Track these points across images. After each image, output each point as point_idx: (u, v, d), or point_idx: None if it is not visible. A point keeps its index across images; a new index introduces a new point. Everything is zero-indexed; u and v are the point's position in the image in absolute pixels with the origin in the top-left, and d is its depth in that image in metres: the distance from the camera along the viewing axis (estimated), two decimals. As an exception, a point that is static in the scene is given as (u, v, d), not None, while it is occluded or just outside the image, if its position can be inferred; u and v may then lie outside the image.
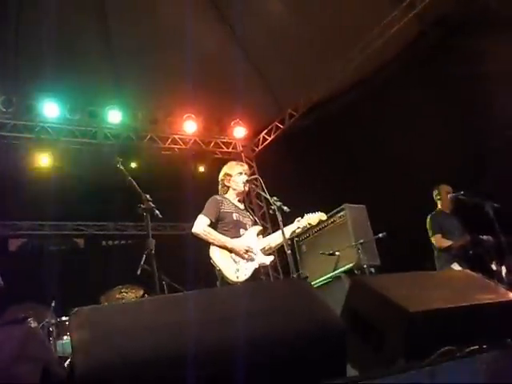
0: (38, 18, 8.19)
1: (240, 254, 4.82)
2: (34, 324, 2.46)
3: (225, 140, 10.87)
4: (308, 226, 5.22)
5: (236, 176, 5.20)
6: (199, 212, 5.07)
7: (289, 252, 4.64)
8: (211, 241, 4.88)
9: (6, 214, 9.98)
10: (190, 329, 2.64)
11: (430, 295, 3.28)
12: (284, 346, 2.67)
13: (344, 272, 6.47)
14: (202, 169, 10.65)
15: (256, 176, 5.11)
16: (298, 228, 5.13)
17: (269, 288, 3.31)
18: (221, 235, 4.91)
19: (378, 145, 8.21)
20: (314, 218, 5.20)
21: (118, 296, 7.46)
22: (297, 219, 5.14)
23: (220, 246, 4.86)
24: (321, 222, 6.40)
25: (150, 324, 2.66)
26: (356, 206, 6.86)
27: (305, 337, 2.72)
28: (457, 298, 3.32)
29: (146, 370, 2.45)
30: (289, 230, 5.03)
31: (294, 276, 4.92)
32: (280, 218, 4.69)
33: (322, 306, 2.94)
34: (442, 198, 6.80)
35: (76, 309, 2.72)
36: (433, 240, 6.55)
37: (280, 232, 4.82)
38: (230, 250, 4.84)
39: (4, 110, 8.67)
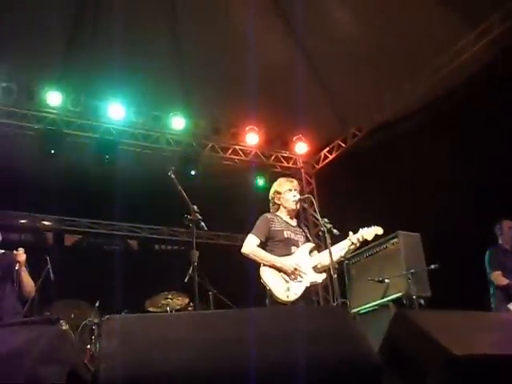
0: (113, 20, 8.35)
1: (288, 273, 4.74)
2: (65, 326, 2.45)
3: (286, 155, 10.81)
4: (360, 240, 4.95)
5: (286, 193, 5.13)
6: (254, 225, 5.03)
7: (335, 276, 4.51)
8: (259, 260, 4.84)
9: (65, 210, 10.24)
10: (219, 347, 2.59)
11: (478, 338, 3.11)
12: (315, 373, 2.58)
13: (392, 301, 6.30)
14: (260, 182, 10.58)
15: (308, 195, 5.01)
16: (352, 244, 4.91)
17: (307, 312, 3.22)
18: (269, 255, 4.85)
19: (439, 174, 7.97)
20: (369, 232, 5.00)
21: (163, 302, 7.49)
22: (350, 233, 4.96)
23: (269, 266, 4.80)
24: (372, 247, 6.29)
25: (179, 339, 2.62)
26: (410, 233, 6.69)
27: (338, 366, 2.63)
28: (507, 344, 3.13)
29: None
30: (342, 247, 4.87)
31: (336, 302, 4.79)
32: (329, 241, 4.58)
33: (360, 337, 2.84)
34: (504, 233, 6.56)
35: (107, 316, 2.71)
36: (491, 277, 6.31)
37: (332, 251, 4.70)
38: (279, 270, 4.77)
39: (72, 108, 8.89)
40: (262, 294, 4.91)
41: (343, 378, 2.63)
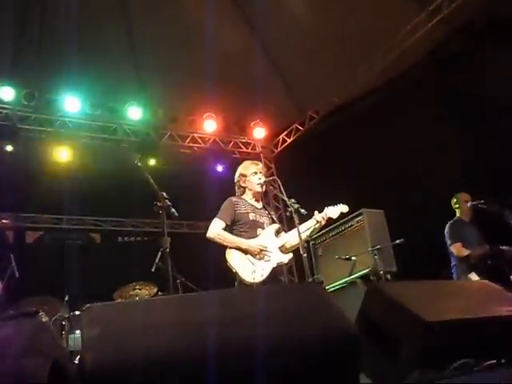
0: (62, 13, 8.19)
1: (254, 254, 4.78)
2: (45, 318, 2.45)
3: (244, 140, 10.85)
4: (325, 219, 4.98)
5: (251, 176, 5.15)
6: (216, 211, 5.05)
7: (304, 255, 4.57)
8: (226, 244, 4.86)
9: (24, 207, 10.07)
10: (202, 330, 2.62)
11: (447, 305, 3.21)
12: (296, 350, 2.63)
13: (360, 277, 6.41)
14: (220, 168, 10.60)
15: (274, 177, 5.06)
16: (317, 223, 4.94)
17: (283, 291, 3.27)
18: (235, 237, 4.88)
19: (397, 151, 8.12)
20: (334, 210, 5.06)
21: (131, 293, 7.47)
22: (315, 213, 4.98)
23: (235, 248, 4.83)
24: (337, 225, 6.37)
25: (160, 323, 2.64)
26: (374, 210, 6.80)
27: (318, 342, 2.68)
28: (475, 309, 3.26)
29: (154, 369, 2.43)
30: (307, 226, 4.90)
31: (310, 280, 4.85)
32: (297, 221, 4.63)
33: (337, 312, 2.90)
34: (461, 206, 6.73)
35: (87, 305, 2.71)
36: (452, 248, 6.47)
37: (296, 231, 4.74)
38: (246, 251, 4.81)
39: (26, 103, 8.73)
40: (230, 279, 4.94)
41: (322, 352, 2.69)
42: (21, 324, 2.66)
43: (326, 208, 5.07)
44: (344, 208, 5.13)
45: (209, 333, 2.56)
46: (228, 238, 4.86)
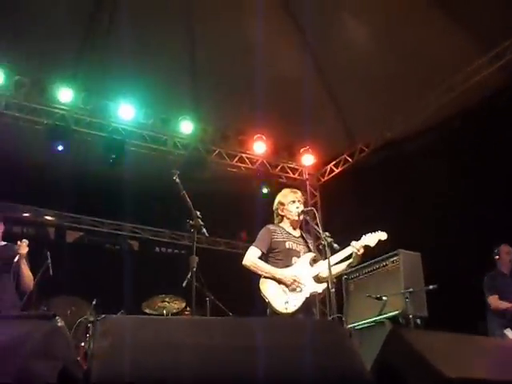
0: (128, 21, 8.37)
1: (287, 284, 4.73)
2: (61, 323, 2.45)
3: (292, 165, 10.83)
4: (362, 248, 4.85)
5: (289, 204, 5.13)
6: (256, 233, 5.05)
7: (332, 290, 4.50)
8: (260, 272, 4.85)
9: (69, 206, 10.27)
10: (211, 354, 2.59)
11: (471, 362, 3.10)
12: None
13: (388, 318, 6.28)
14: (265, 191, 10.57)
15: (311, 208, 5.00)
16: (356, 254, 4.83)
17: (302, 325, 3.22)
18: (269, 267, 4.86)
19: (444, 195, 7.98)
20: (372, 237, 4.93)
21: (159, 304, 7.49)
22: (352, 242, 4.88)
23: (270, 278, 4.80)
24: (372, 263, 6.26)
25: (172, 342, 2.63)
26: (411, 252, 6.68)
27: (326, 380, 2.63)
28: (501, 370, 3.12)
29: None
30: (344, 254, 4.82)
31: (332, 317, 4.77)
32: (329, 254, 4.57)
33: (352, 353, 2.84)
34: (502, 258, 6.57)
35: (103, 316, 2.72)
36: (489, 300, 6.30)
37: (332, 262, 4.68)
38: (279, 281, 4.77)
39: (82, 106, 8.93)
40: (261, 302, 4.91)
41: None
42: (36, 325, 2.68)
43: (363, 236, 4.96)
44: (382, 235, 4.99)
45: (215, 358, 2.54)
46: (263, 267, 4.85)
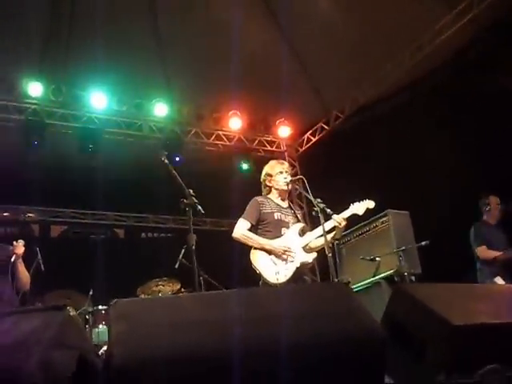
0: (91, 10, 8.26)
1: (278, 255, 4.78)
2: (73, 312, 2.47)
3: (269, 138, 10.83)
4: (344, 221, 4.80)
5: (277, 175, 5.16)
6: (240, 209, 5.06)
7: (329, 255, 4.55)
8: (250, 244, 4.88)
9: (49, 201, 10.18)
10: (227, 327, 2.62)
11: (474, 309, 3.18)
12: (322, 350, 2.63)
13: (384, 278, 6.37)
14: (245, 166, 10.56)
15: (300, 176, 5.01)
16: (338, 224, 4.78)
17: (309, 291, 3.27)
18: (259, 238, 4.89)
19: (423, 151, 8.06)
20: (360, 206, 4.96)
21: (154, 288, 7.51)
22: (333, 216, 4.79)
23: (260, 249, 4.84)
24: (362, 226, 6.32)
25: (188, 320, 2.65)
26: (399, 212, 6.75)
27: (344, 342, 2.68)
28: (502, 313, 3.21)
29: (180, 366, 2.44)
30: (332, 224, 4.80)
31: (335, 280, 4.82)
32: (322, 220, 4.61)
33: (364, 313, 2.89)
34: (492, 208, 6.61)
35: (115, 300, 2.73)
36: (477, 251, 6.38)
37: (319, 230, 4.72)
38: (270, 252, 4.81)
39: (53, 98, 8.81)
40: (253, 278, 4.95)
41: (349, 353, 2.68)
42: (50, 317, 2.69)
43: (351, 205, 4.99)
44: (370, 204, 5.00)
45: (234, 331, 2.57)
46: (253, 239, 4.88)
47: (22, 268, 5.36)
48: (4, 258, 5.29)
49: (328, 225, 4.80)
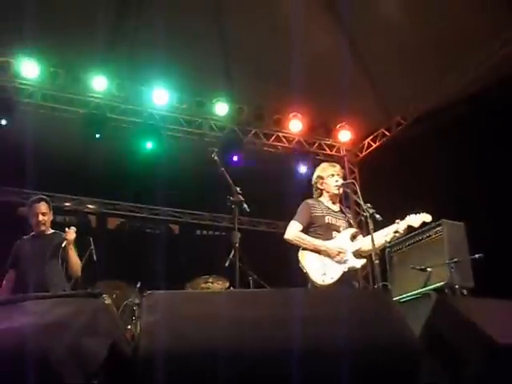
0: (157, 6, 8.38)
1: (333, 255, 4.73)
2: (108, 301, 2.50)
3: (329, 142, 10.73)
4: (407, 229, 4.85)
5: (328, 178, 5.11)
6: (295, 212, 5.03)
7: (376, 262, 4.46)
8: (304, 245, 4.84)
9: (108, 194, 10.41)
10: (259, 326, 2.60)
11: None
12: (357, 356, 2.57)
13: (434, 290, 6.20)
14: (303, 169, 10.50)
15: (352, 180, 4.95)
16: (397, 232, 4.80)
17: (348, 296, 3.20)
18: (313, 239, 4.85)
19: (486, 163, 7.81)
20: (416, 219, 4.86)
21: (203, 285, 7.55)
22: (396, 221, 4.84)
23: (314, 250, 4.79)
24: (415, 235, 6.17)
25: (218, 315, 2.64)
26: (454, 222, 6.56)
27: (377, 350, 2.61)
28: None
29: (207, 360, 2.42)
30: (386, 232, 4.78)
31: (377, 285, 4.74)
32: (371, 226, 4.53)
33: (402, 322, 2.81)
34: None
35: (149, 292, 2.74)
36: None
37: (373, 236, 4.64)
38: (324, 253, 4.76)
39: (116, 93, 8.99)
40: (301, 276, 4.91)
41: (384, 362, 2.62)
42: (84, 303, 2.73)
43: (408, 216, 4.90)
44: (427, 217, 4.91)
45: (262, 330, 2.54)
46: (306, 240, 4.84)
47: (72, 254, 5.46)
48: (58, 244, 5.41)
49: (389, 229, 4.78)
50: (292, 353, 2.51)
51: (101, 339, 2.59)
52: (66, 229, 5.45)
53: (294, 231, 4.89)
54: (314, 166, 9.44)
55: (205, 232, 11.91)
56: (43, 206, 5.57)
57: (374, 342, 2.65)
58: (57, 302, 2.80)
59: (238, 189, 4.34)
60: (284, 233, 4.98)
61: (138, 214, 10.87)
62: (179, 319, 2.58)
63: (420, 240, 6.71)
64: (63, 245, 5.38)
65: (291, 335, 2.59)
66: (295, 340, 2.56)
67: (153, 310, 2.64)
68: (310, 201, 5.11)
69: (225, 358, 2.45)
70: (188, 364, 2.39)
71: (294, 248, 4.96)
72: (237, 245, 4.30)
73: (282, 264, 7.45)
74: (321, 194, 5.18)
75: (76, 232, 5.45)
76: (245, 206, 4.33)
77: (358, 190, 4.78)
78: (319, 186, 5.17)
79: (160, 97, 9.10)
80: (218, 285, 7.60)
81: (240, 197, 4.32)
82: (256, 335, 2.57)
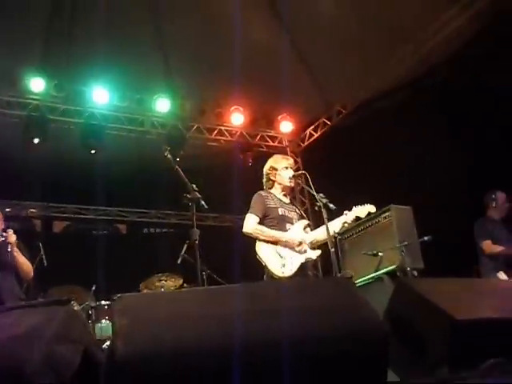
0: (92, 5, 8.24)
1: (293, 246, 4.79)
2: (76, 307, 2.47)
3: (271, 134, 10.82)
4: (355, 219, 5.05)
5: (282, 170, 5.14)
6: (242, 204, 5.05)
7: (332, 250, 4.55)
8: (263, 238, 4.85)
9: (52, 197, 10.19)
10: (231, 321, 2.62)
11: (477, 303, 3.18)
12: (325, 345, 2.63)
13: (386, 273, 6.36)
14: (246, 162, 10.54)
15: (303, 172, 5.01)
16: (346, 223, 4.96)
17: (312, 285, 3.27)
18: (273, 231, 4.86)
19: (425, 147, 8.04)
20: (362, 210, 5.02)
21: (157, 284, 7.53)
22: (344, 212, 4.97)
23: (273, 242, 4.82)
24: (365, 221, 6.33)
25: (191, 314, 2.66)
26: (402, 207, 6.73)
27: (346, 337, 2.68)
28: (506, 308, 3.21)
29: (185, 360, 2.44)
30: (337, 224, 4.91)
31: (338, 275, 4.84)
32: (325, 215, 4.62)
33: (366, 307, 2.89)
34: (499, 204, 6.62)
35: (119, 295, 2.73)
36: (482, 245, 6.39)
37: (325, 228, 4.72)
38: (283, 244, 4.81)
39: (55, 94, 8.81)
40: (255, 274, 4.95)
41: (352, 348, 2.68)
42: (53, 311, 2.70)
43: (354, 207, 5.05)
44: (371, 208, 5.09)
45: (236, 325, 2.57)
46: (266, 233, 4.85)
47: (19, 256, 5.34)
48: (4, 253, 5.28)
49: (340, 220, 4.90)
50: (264, 345, 2.55)
51: (74, 346, 2.58)
52: (3, 233, 5.32)
53: (252, 224, 4.88)
54: (257, 158, 9.72)
55: (152, 230, 11.84)
56: None
57: (341, 329, 2.71)
58: (24, 312, 2.77)
59: (194, 186, 4.34)
60: (231, 226, 5.00)
61: (84, 216, 10.70)
62: (151, 320, 2.58)
63: (369, 226, 6.85)
64: (8, 249, 5.24)
65: (262, 328, 2.62)
66: (266, 333, 2.60)
67: (124, 312, 2.63)
68: (262, 192, 5.13)
69: (200, 356, 2.47)
70: (164, 364, 2.40)
71: (244, 241, 4.99)
72: (196, 242, 4.30)
73: (230, 257, 7.50)
74: (272, 186, 5.20)
75: (15, 233, 5.34)
76: (202, 202, 4.33)
77: (310, 181, 4.83)
78: (271, 177, 5.19)
79: (100, 96, 8.97)
80: (171, 282, 7.60)
81: (197, 194, 4.32)
82: (228, 331, 2.59)
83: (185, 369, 2.44)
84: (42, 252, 6.23)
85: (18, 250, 5.38)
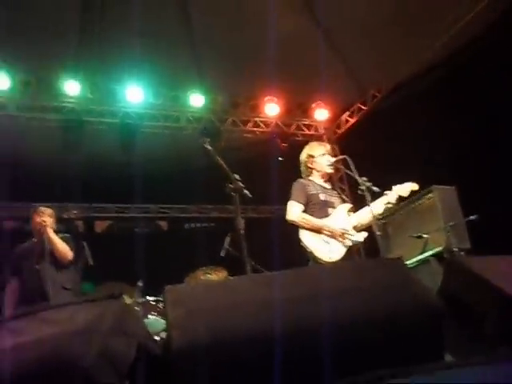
0: (123, 4, 8.29)
1: (337, 236, 4.72)
2: (128, 300, 2.50)
3: (306, 122, 10.76)
4: (398, 199, 4.85)
5: (319, 157, 5.10)
6: (281, 195, 5.00)
7: (378, 233, 4.49)
8: (308, 227, 4.78)
9: (92, 197, 10.32)
10: (281, 307, 2.61)
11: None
12: (381, 326, 2.60)
13: (433, 255, 6.26)
14: (283, 152, 10.48)
15: (344, 156, 4.92)
16: (389, 203, 4.80)
17: (364, 267, 3.23)
18: (317, 219, 4.80)
19: (466, 127, 7.89)
20: (404, 188, 4.86)
21: (202, 277, 7.57)
22: (385, 192, 4.82)
23: (316, 231, 4.75)
24: (407, 203, 6.21)
25: (241, 302, 2.65)
26: (445, 187, 6.62)
27: (403, 317, 2.65)
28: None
29: (240, 347, 2.44)
30: (379, 206, 4.77)
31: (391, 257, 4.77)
32: (369, 199, 4.55)
33: (420, 286, 2.85)
34: None
35: (168, 286, 2.74)
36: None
37: (367, 209, 4.64)
38: (327, 233, 4.73)
39: (90, 96, 8.91)
40: (296, 263, 4.91)
41: (407, 327, 2.65)
42: (107, 305, 2.72)
43: (393, 187, 4.90)
44: (414, 186, 4.90)
45: (293, 309, 2.55)
46: (311, 221, 4.78)
47: (53, 236, 5.35)
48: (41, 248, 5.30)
49: (380, 201, 4.77)
50: (318, 330, 2.53)
51: (128, 340, 2.59)
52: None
53: (297, 212, 4.82)
54: (294, 147, 9.65)
55: (193, 225, 11.90)
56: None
57: (396, 308, 2.69)
58: (78, 308, 2.79)
59: (237, 176, 4.31)
60: (270, 217, 4.96)
61: (125, 215, 10.81)
62: (207, 310, 2.59)
63: (413, 208, 6.77)
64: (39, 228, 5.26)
65: (315, 311, 2.60)
66: (320, 315, 2.58)
67: (178, 303, 2.64)
68: (302, 180, 5.09)
69: (254, 342, 2.46)
70: (225, 353, 2.40)
71: (285, 231, 4.93)
72: (242, 231, 4.27)
73: (269, 248, 7.48)
74: (310, 173, 5.16)
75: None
76: (245, 192, 4.29)
77: (351, 165, 4.75)
78: (309, 164, 5.15)
79: (134, 94, 9.03)
80: (215, 275, 7.63)
81: (240, 183, 4.28)
82: (287, 316, 2.57)
83: (239, 355, 2.44)
84: (87, 251, 6.28)
85: (51, 230, 5.39)
